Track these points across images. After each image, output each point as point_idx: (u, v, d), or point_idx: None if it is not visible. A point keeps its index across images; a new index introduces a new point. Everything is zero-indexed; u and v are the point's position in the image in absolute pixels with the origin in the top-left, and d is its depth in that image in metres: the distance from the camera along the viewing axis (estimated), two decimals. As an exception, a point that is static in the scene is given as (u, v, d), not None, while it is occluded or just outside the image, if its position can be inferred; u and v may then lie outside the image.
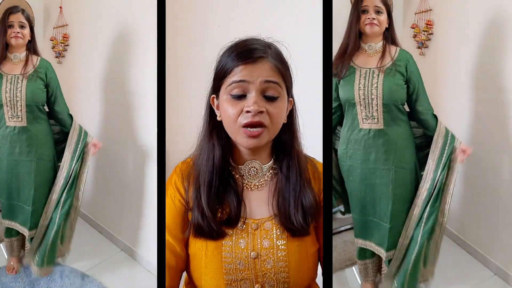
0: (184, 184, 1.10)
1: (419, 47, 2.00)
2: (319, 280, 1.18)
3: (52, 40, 2.21)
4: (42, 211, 1.78)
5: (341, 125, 1.66)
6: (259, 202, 1.09)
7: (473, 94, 1.97)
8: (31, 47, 1.82)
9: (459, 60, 2.00)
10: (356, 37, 1.58)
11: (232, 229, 1.07)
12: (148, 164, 1.98)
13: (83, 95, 2.20)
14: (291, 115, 1.11)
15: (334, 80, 1.61)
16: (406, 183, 1.59)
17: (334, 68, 1.59)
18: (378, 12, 1.57)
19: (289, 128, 1.11)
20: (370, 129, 1.55)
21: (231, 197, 1.07)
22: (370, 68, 1.55)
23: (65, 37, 2.22)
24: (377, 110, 1.53)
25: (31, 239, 1.82)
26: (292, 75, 1.10)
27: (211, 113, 1.11)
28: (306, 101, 1.51)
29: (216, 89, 1.09)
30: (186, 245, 1.11)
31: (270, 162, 1.10)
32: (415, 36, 2.00)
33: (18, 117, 1.72)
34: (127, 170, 2.19)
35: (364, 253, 1.73)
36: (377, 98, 1.53)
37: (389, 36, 1.60)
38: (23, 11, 1.79)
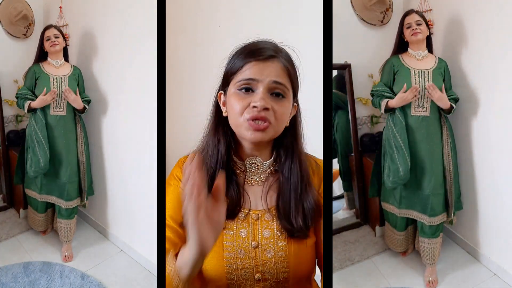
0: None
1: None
2: (319, 279, 1.18)
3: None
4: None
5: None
6: (259, 196, 1.10)
7: (472, 94, 1.97)
8: (66, 54, 2.23)
9: (459, 59, 2.00)
10: (398, 44, 2.03)
11: (232, 221, 1.07)
12: (148, 164, 1.98)
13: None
14: (295, 120, 1.12)
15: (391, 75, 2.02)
16: (438, 154, 1.96)
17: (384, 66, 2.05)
18: (418, 24, 1.95)
19: (292, 132, 1.11)
20: (419, 116, 1.93)
21: (231, 190, 1.08)
22: (421, 70, 1.94)
23: (65, 37, 2.22)
24: (426, 101, 1.92)
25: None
26: (299, 81, 1.10)
27: (217, 109, 1.11)
28: (306, 101, 1.51)
29: (224, 85, 1.09)
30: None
31: (271, 160, 1.11)
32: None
33: (61, 108, 2.14)
34: (127, 170, 2.19)
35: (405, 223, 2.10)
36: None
37: (430, 44, 1.99)
38: (54, 26, 2.21)
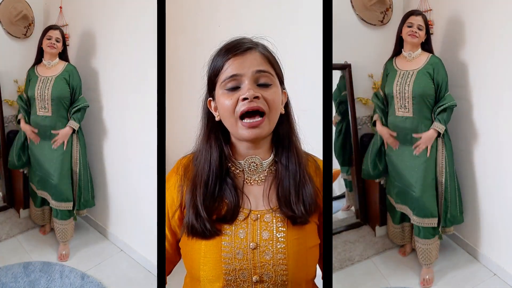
0: (182, 179, 1.11)
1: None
2: (319, 281, 1.18)
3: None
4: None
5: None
6: (259, 196, 1.09)
7: (472, 93, 1.97)
8: (63, 58, 2.21)
9: (458, 59, 2.00)
10: (398, 44, 2.03)
11: (230, 225, 1.06)
12: (148, 164, 1.98)
13: (83, 95, 2.20)
14: (287, 106, 1.12)
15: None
16: (430, 162, 1.96)
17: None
18: (419, 28, 1.96)
19: (287, 119, 1.11)
20: (403, 116, 1.95)
21: (228, 193, 1.07)
22: (406, 70, 1.96)
23: (65, 37, 2.22)
24: (408, 102, 1.93)
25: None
26: (281, 68, 1.11)
27: (208, 116, 1.12)
28: (306, 101, 1.51)
29: (211, 90, 1.10)
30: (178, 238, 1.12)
31: (270, 158, 1.10)
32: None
33: (46, 109, 2.13)
34: (127, 170, 2.19)
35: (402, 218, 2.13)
36: (408, 93, 1.92)
37: (425, 47, 1.99)
38: (60, 29, 2.20)
